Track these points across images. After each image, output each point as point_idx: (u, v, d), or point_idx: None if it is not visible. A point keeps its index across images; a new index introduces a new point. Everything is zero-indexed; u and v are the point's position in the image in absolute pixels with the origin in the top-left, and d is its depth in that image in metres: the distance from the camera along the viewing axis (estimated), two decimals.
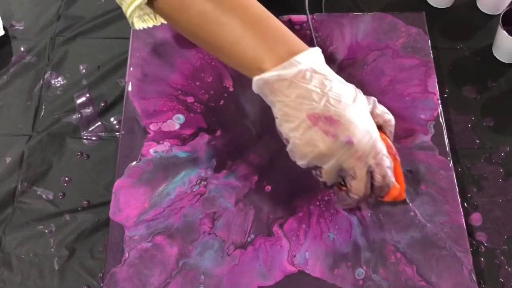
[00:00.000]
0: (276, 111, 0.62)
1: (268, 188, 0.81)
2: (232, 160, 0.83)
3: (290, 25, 0.94)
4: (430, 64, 0.90)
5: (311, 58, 0.61)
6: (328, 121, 0.59)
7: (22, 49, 0.98)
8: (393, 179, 0.65)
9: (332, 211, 0.79)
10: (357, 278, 0.74)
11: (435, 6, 1.00)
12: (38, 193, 0.84)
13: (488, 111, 0.89)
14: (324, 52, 0.92)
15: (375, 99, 0.66)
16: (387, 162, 0.63)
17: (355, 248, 0.76)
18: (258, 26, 0.63)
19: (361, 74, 0.89)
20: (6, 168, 0.86)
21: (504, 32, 0.89)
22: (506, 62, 0.94)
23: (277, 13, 0.96)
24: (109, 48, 0.97)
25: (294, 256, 0.76)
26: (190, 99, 0.88)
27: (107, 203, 0.80)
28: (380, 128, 0.65)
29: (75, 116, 0.91)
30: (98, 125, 0.90)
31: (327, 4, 1.00)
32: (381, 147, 0.62)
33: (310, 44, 0.65)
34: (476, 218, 0.81)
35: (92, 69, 0.95)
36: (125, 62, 0.92)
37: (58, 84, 0.94)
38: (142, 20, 0.69)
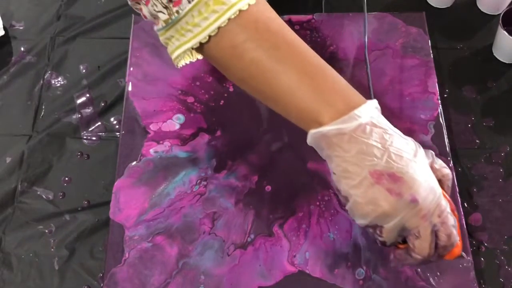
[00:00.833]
0: (334, 167, 0.59)
1: (268, 188, 0.81)
2: (232, 160, 0.83)
3: (290, 25, 0.94)
4: (430, 64, 0.90)
5: (370, 111, 0.59)
6: (391, 178, 0.56)
7: (22, 49, 0.98)
8: (457, 238, 0.61)
9: (332, 211, 0.79)
10: (357, 278, 0.74)
11: (435, 6, 1.00)
12: (38, 193, 0.84)
13: (488, 111, 0.89)
14: (324, 52, 0.92)
15: (433, 153, 0.62)
16: (452, 220, 0.60)
17: (355, 248, 0.76)
18: (315, 76, 0.60)
19: (361, 74, 0.89)
20: (6, 168, 0.86)
21: (504, 32, 0.89)
22: (506, 62, 0.93)
23: (277, 13, 0.96)
24: (109, 48, 0.97)
25: (294, 256, 0.76)
26: (190, 99, 0.88)
27: (107, 203, 0.80)
28: (438, 182, 0.61)
29: (75, 116, 0.91)
30: (98, 125, 0.90)
31: (327, 4, 1.00)
32: (445, 204, 0.59)
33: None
34: (476, 218, 0.81)
35: (92, 69, 0.95)
36: (125, 62, 0.92)
37: (58, 84, 0.94)
38: (182, 58, 0.65)
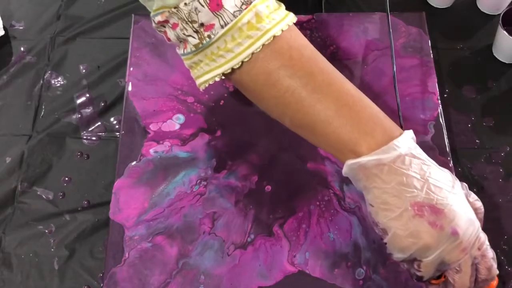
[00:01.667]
0: (372, 198, 0.58)
1: (268, 188, 0.81)
2: (232, 160, 0.83)
3: None
4: (430, 64, 0.90)
5: (408, 142, 0.58)
6: (432, 210, 0.55)
7: (22, 49, 0.98)
8: (497, 271, 0.60)
9: (332, 211, 0.79)
10: (357, 278, 0.74)
11: (435, 6, 1.00)
12: (38, 193, 0.84)
13: (488, 111, 0.89)
14: (324, 52, 0.92)
15: (466, 185, 0.61)
16: (491, 253, 0.59)
17: (355, 248, 0.76)
18: (353, 105, 0.59)
19: (361, 74, 0.89)
20: (6, 168, 0.86)
21: (504, 32, 0.89)
22: (506, 62, 0.93)
23: None
24: (109, 48, 0.97)
25: (294, 256, 0.76)
26: (190, 99, 0.88)
27: (107, 203, 0.80)
28: None
29: (75, 116, 0.91)
30: (98, 125, 0.90)
31: (327, 4, 1.00)
32: (484, 237, 0.58)
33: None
34: None
35: (92, 69, 0.95)
36: (125, 62, 0.92)
37: (58, 84, 0.94)
38: (208, 82, 0.63)
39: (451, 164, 0.82)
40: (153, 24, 0.64)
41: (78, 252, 0.79)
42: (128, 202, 0.80)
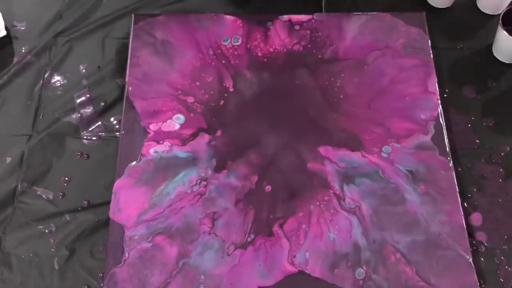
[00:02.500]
0: None
1: (268, 188, 0.81)
2: (232, 160, 0.83)
3: (290, 25, 0.94)
4: (430, 64, 0.90)
5: None
6: None
7: (23, 49, 0.98)
8: None
9: (332, 211, 0.79)
10: (357, 278, 0.74)
11: (435, 6, 1.00)
12: (38, 193, 0.84)
13: (488, 111, 0.89)
14: (324, 52, 0.92)
15: None
16: None
17: (355, 248, 0.76)
18: None
19: (361, 74, 0.89)
20: (6, 168, 0.86)
21: (504, 32, 0.89)
22: (506, 62, 0.93)
23: (277, 12, 0.96)
24: (109, 48, 0.97)
25: (294, 256, 0.76)
26: (190, 99, 0.88)
27: (107, 203, 0.80)
28: None
29: (75, 116, 0.91)
30: (98, 125, 0.90)
31: (327, 4, 1.00)
32: None
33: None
34: (476, 218, 0.80)
35: (92, 69, 0.95)
36: (125, 62, 0.92)
37: (58, 84, 0.94)
38: None
39: (451, 164, 0.82)
40: None
41: (78, 252, 0.79)
42: (128, 202, 0.80)
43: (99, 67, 0.95)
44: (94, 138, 0.89)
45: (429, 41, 0.92)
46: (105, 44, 0.98)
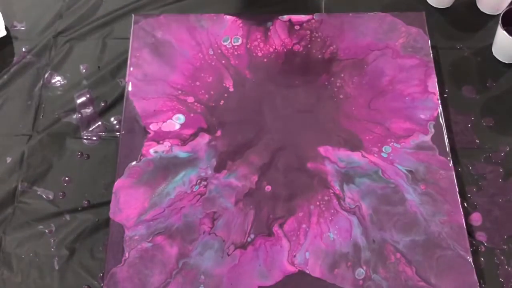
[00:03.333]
0: None
1: (268, 188, 0.81)
2: (232, 160, 0.83)
3: (290, 25, 0.94)
4: (430, 64, 0.90)
5: None
6: None
7: (23, 49, 0.98)
8: None
9: (332, 211, 0.79)
10: (357, 278, 0.74)
11: (435, 6, 1.00)
12: (38, 193, 0.84)
13: (488, 111, 0.89)
14: (324, 52, 0.92)
15: None
16: None
17: (355, 248, 0.76)
18: None
19: (361, 74, 0.89)
20: (7, 168, 0.86)
21: (504, 32, 0.89)
22: (506, 62, 0.93)
23: (277, 12, 0.97)
24: (109, 48, 0.97)
25: (294, 256, 0.76)
26: (190, 99, 0.88)
27: (107, 203, 0.80)
28: None
29: (75, 116, 0.91)
30: (98, 125, 0.90)
31: (327, 4, 1.00)
32: None
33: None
34: (476, 218, 0.81)
35: (92, 69, 0.95)
36: (125, 62, 0.92)
37: (58, 84, 0.94)
38: None
39: (451, 164, 0.82)
40: None
41: (78, 252, 0.80)
42: (128, 202, 0.80)
43: (99, 67, 0.95)
44: (94, 138, 0.89)
45: (429, 41, 0.92)
46: (105, 44, 0.98)
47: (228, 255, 0.76)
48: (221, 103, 0.88)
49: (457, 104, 0.90)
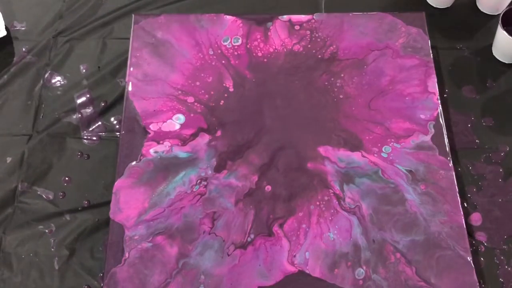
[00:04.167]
0: None
1: (268, 188, 0.81)
2: (232, 160, 0.83)
3: (290, 25, 0.94)
4: (430, 64, 0.90)
5: None
6: None
7: (23, 49, 0.98)
8: None
9: (332, 211, 0.79)
10: (357, 278, 0.74)
11: (435, 6, 1.00)
12: (38, 193, 0.84)
13: (488, 111, 0.89)
14: (324, 52, 0.92)
15: None
16: None
17: (355, 248, 0.76)
18: None
19: (361, 74, 0.89)
20: (7, 168, 0.86)
21: (504, 32, 0.89)
22: (506, 62, 0.93)
23: (277, 12, 0.97)
24: (109, 48, 0.97)
25: (294, 256, 0.76)
26: (190, 99, 0.88)
27: (107, 203, 0.80)
28: None
29: (75, 116, 0.91)
30: (98, 125, 0.90)
31: (327, 4, 1.00)
32: None
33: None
34: (476, 218, 0.81)
35: (92, 69, 0.95)
36: (125, 62, 0.92)
37: (58, 84, 0.94)
38: None
39: (451, 164, 0.82)
40: None
41: (78, 252, 0.80)
42: (128, 202, 0.80)
43: (99, 67, 0.95)
44: (94, 138, 0.89)
45: (429, 41, 0.92)
46: (105, 44, 0.98)
47: (228, 255, 0.76)
48: (221, 103, 0.88)
49: (457, 104, 0.90)
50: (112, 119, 0.90)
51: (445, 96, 0.91)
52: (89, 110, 0.91)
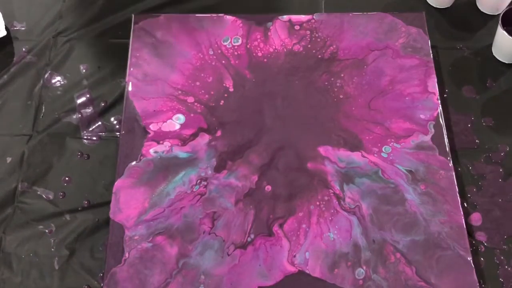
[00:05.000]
0: None
1: (268, 188, 0.81)
2: (232, 160, 0.83)
3: (290, 25, 0.94)
4: (430, 64, 0.90)
5: None
6: None
7: (23, 49, 0.98)
8: None
9: (332, 211, 0.79)
10: (357, 278, 0.75)
11: (435, 6, 1.00)
12: (38, 193, 0.84)
13: (488, 111, 0.89)
14: (324, 52, 0.92)
15: None
16: None
17: (355, 248, 0.76)
18: None
19: (361, 74, 0.89)
20: (7, 168, 0.86)
21: (504, 32, 0.89)
22: (506, 62, 0.93)
23: (276, 12, 0.97)
24: (109, 48, 0.97)
25: (294, 256, 0.76)
26: (190, 99, 0.88)
27: (107, 203, 0.80)
28: None
29: (75, 116, 0.91)
30: (98, 125, 0.90)
31: (327, 4, 1.00)
32: None
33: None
34: (476, 218, 0.81)
35: (92, 69, 0.95)
36: (125, 62, 0.92)
37: (58, 84, 0.94)
38: None
39: (450, 164, 0.82)
40: None
41: (78, 252, 0.80)
42: (128, 202, 0.80)
43: (99, 67, 0.95)
44: (94, 138, 0.89)
45: (429, 41, 0.92)
46: (105, 44, 0.98)
47: (228, 255, 0.76)
48: (221, 103, 0.88)
49: (457, 104, 0.90)
50: (112, 119, 0.90)
51: (445, 96, 0.91)
52: (89, 110, 0.91)
